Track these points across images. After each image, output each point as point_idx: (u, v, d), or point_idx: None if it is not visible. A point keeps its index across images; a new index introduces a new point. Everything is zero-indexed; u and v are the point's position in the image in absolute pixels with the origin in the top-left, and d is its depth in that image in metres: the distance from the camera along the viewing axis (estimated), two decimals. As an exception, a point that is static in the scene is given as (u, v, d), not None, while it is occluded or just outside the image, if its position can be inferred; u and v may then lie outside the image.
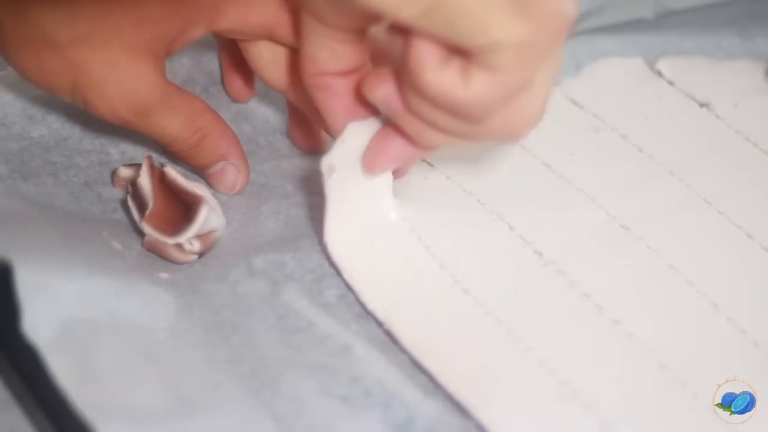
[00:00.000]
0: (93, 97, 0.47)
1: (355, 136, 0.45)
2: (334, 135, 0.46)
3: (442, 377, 0.43)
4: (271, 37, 0.49)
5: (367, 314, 0.46)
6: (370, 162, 0.46)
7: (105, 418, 0.39)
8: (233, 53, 0.54)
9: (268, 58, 0.50)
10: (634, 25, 0.60)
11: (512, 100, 0.40)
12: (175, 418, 0.40)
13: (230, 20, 0.48)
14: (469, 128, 0.41)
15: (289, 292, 0.46)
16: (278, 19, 0.47)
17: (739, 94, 0.56)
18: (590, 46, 0.59)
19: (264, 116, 0.56)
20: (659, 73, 0.58)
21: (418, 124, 0.42)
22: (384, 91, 0.42)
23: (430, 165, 0.53)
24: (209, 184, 0.52)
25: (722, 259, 0.49)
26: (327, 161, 0.46)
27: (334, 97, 0.45)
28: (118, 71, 0.46)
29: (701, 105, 0.56)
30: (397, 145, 0.44)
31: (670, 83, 0.57)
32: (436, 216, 0.50)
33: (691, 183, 0.52)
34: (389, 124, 0.44)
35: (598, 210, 0.50)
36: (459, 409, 0.42)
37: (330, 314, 0.46)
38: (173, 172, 0.49)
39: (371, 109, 0.45)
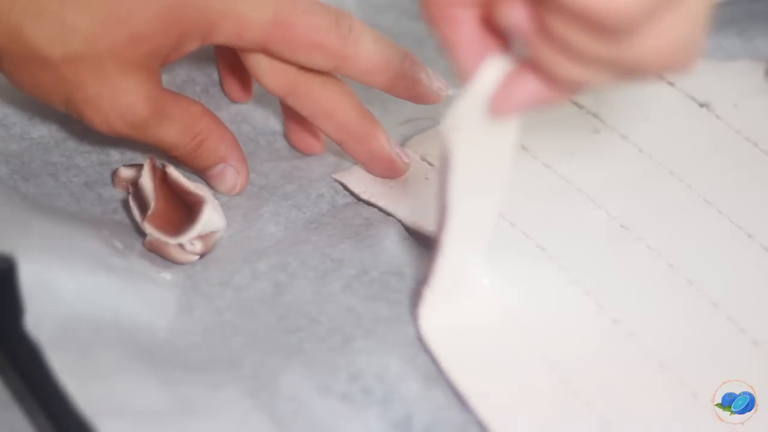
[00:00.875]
0: (88, 112, 0.47)
1: (482, 83, 0.39)
2: (461, 74, 0.40)
3: (445, 364, 0.43)
4: (266, 51, 0.49)
5: (373, 297, 0.46)
6: (498, 104, 0.39)
7: (106, 417, 0.39)
8: (230, 57, 0.55)
9: (267, 67, 0.50)
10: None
11: (661, 17, 0.35)
12: (176, 418, 0.40)
13: (224, 36, 0.48)
14: (613, 52, 0.36)
15: (292, 291, 0.46)
16: (272, 35, 0.48)
17: (739, 94, 0.56)
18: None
19: (264, 117, 0.56)
20: (659, 74, 0.58)
21: (553, 52, 0.37)
22: (516, 12, 0.37)
23: (431, 165, 0.53)
24: (209, 185, 0.52)
25: (722, 259, 0.49)
26: (450, 120, 0.40)
27: (459, 30, 0.40)
28: (113, 88, 0.47)
29: (701, 105, 0.56)
30: (529, 84, 0.39)
31: (670, 83, 0.57)
32: None
33: (691, 183, 0.51)
34: (522, 62, 0.39)
35: (598, 210, 0.50)
36: (458, 403, 0.42)
37: (333, 302, 0.46)
38: (175, 173, 0.49)
39: (502, 44, 0.39)
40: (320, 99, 0.51)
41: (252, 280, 0.47)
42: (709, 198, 0.51)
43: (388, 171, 0.52)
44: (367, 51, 0.49)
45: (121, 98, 0.47)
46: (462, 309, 0.45)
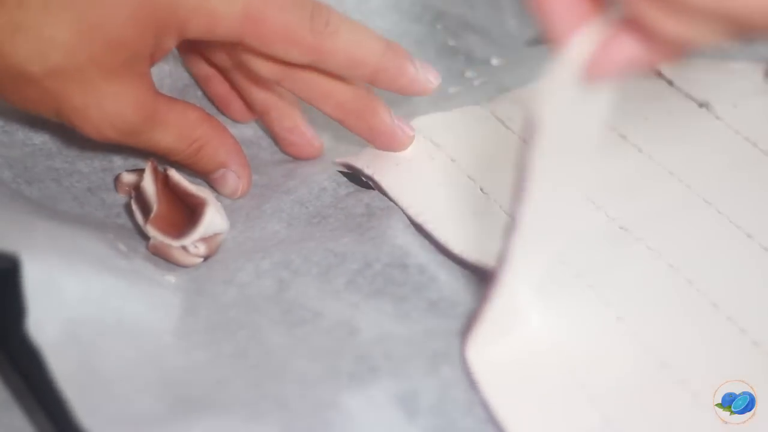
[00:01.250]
0: (78, 122, 0.47)
1: (576, 50, 0.36)
2: (554, 40, 0.37)
3: (492, 399, 0.43)
4: (242, 44, 0.49)
5: (377, 293, 0.46)
6: (594, 67, 0.36)
7: (104, 423, 0.39)
8: (221, 81, 0.55)
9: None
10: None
11: None
12: (178, 420, 0.40)
13: (196, 30, 0.47)
14: (719, 3, 0.33)
15: (295, 287, 0.46)
16: (244, 30, 0.47)
17: (739, 94, 0.56)
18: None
19: (266, 119, 0.56)
20: (659, 73, 0.58)
21: (654, 6, 0.34)
22: None
23: (436, 145, 0.53)
24: (212, 188, 0.52)
25: (722, 259, 0.48)
26: (542, 89, 0.37)
27: None
28: (99, 97, 0.46)
29: (700, 105, 0.55)
30: (627, 45, 0.36)
31: (670, 83, 0.57)
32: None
33: (691, 183, 0.51)
34: (619, 23, 0.36)
35: (597, 211, 0.50)
36: (466, 382, 0.42)
37: (338, 299, 0.46)
38: (177, 175, 0.49)
39: (598, 6, 0.37)
40: (315, 81, 0.50)
41: (256, 278, 0.47)
42: (708, 198, 0.50)
43: (391, 144, 0.52)
44: (346, 44, 0.48)
45: (107, 106, 0.47)
46: (510, 345, 0.44)
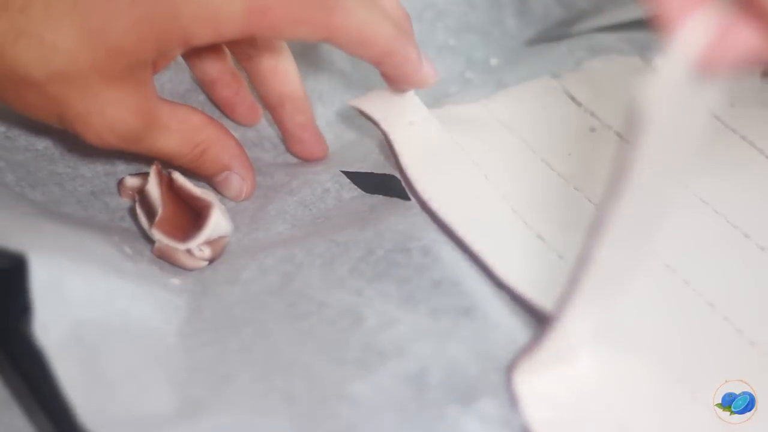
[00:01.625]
0: (80, 128, 0.47)
1: (688, 42, 0.33)
2: (664, 29, 0.34)
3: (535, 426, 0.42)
4: (255, 37, 0.47)
5: (381, 276, 0.46)
6: (709, 59, 0.33)
7: (109, 424, 0.39)
8: (226, 84, 0.55)
9: None
10: (633, 25, 0.60)
11: None
12: (183, 420, 0.41)
13: (202, 38, 0.46)
14: None
15: (299, 280, 0.46)
16: (252, 25, 0.46)
17: (736, 93, 0.55)
18: (588, 42, 0.59)
19: (268, 121, 0.57)
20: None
21: None
22: None
23: (437, 130, 0.53)
24: (216, 191, 0.52)
25: (718, 259, 0.48)
26: (652, 86, 0.34)
27: None
28: (100, 103, 0.46)
29: (697, 104, 0.56)
30: (745, 34, 0.33)
31: (667, 82, 0.57)
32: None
33: (687, 182, 0.51)
34: (735, 10, 0.33)
35: (594, 210, 0.50)
36: (476, 358, 0.42)
37: (342, 287, 0.45)
38: (181, 178, 0.49)
39: None
40: (359, 32, 0.48)
41: (260, 274, 0.47)
42: (705, 198, 0.50)
43: (420, 85, 0.51)
44: (358, 21, 0.47)
45: (108, 112, 0.46)
46: (559, 380, 0.43)
